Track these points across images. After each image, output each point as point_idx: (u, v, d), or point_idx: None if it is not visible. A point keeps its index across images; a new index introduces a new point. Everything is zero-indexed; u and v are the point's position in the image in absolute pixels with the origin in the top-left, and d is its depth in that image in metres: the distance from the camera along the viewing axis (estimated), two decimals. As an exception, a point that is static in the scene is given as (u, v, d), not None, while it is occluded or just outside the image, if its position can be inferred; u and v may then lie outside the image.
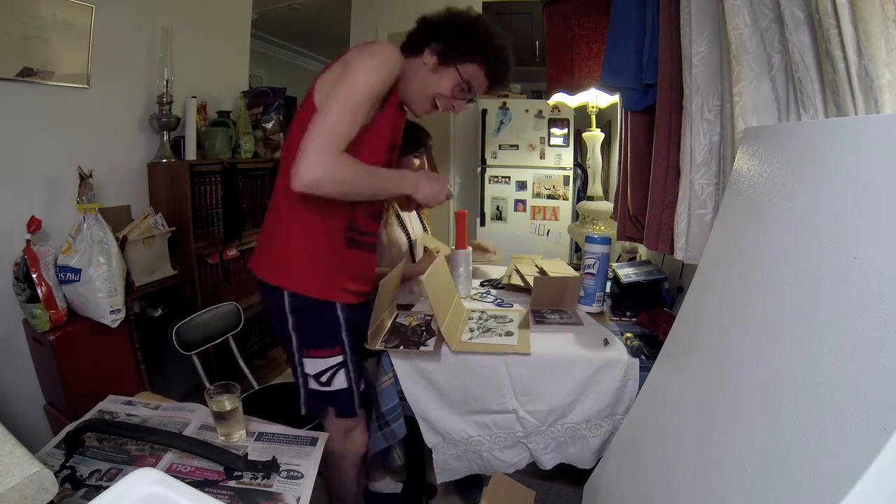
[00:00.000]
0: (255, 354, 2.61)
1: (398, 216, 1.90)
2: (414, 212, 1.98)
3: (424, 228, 2.03)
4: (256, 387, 1.78)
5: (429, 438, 1.31)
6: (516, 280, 1.73)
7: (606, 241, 1.53)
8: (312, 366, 1.21)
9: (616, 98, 2.08)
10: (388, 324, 1.37)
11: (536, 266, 1.80)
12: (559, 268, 1.82)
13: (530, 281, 1.65)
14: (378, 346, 1.23)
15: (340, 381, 1.22)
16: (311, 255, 1.19)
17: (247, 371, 1.82)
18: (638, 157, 1.63)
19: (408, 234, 1.91)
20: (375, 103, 1.10)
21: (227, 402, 0.97)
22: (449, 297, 1.39)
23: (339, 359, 1.21)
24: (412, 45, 1.19)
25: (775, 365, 0.66)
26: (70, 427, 0.97)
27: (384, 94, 1.11)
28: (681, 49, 1.19)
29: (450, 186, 1.27)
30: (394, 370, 1.29)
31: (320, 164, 1.00)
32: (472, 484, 1.69)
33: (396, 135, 1.28)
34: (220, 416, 0.98)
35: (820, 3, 0.74)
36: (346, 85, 1.04)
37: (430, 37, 1.17)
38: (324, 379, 1.21)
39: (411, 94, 1.21)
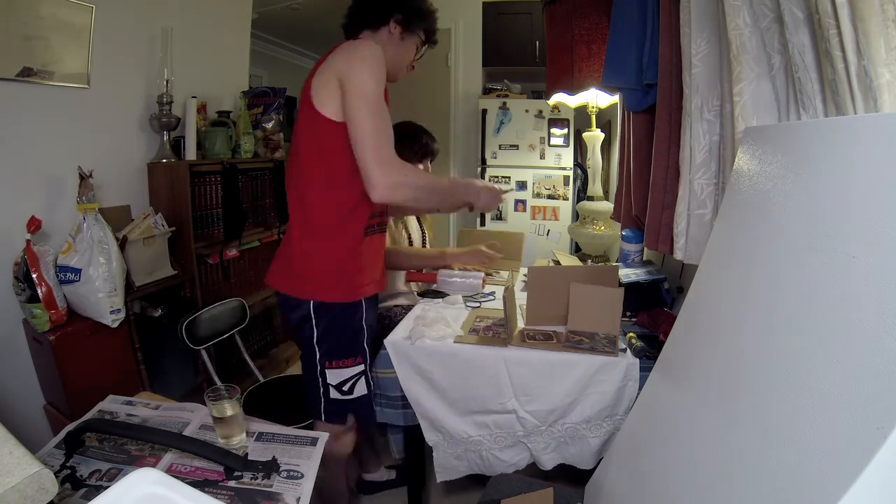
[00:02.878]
0: (257, 353, 2.61)
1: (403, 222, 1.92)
2: (414, 218, 2.00)
3: (424, 235, 2.04)
4: (261, 380, 1.79)
5: (429, 437, 1.31)
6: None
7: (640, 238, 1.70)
8: (335, 376, 1.24)
9: (616, 98, 2.08)
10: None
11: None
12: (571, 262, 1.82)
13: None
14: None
15: (361, 389, 1.26)
16: (332, 263, 1.22)
17: (253, 366, 1.82)
18: (639, 157, 1.64)
19: (409, 239, 1.93)
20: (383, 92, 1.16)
21: (229, 408, 0.97)
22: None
23: (361, 367, 1.26)
24: (377, 20, 1.26)
25: (774, 364, 0.66)
26: (70, 427, 0.97)
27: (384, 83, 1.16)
28: (681, 49, 1.20)
29: (502, 194, 1.39)
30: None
31: (389, 175, 1.07)
32: (468, 483, 1.69)
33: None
34: (221, 420, 0.98)
35: (819, 3, 0.74)
36: (360, 95, 1.09)
37: (388, 11, 1.25)
38: (346, 388, 1.25)
39: (390, 67, 1.23)
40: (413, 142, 1.82)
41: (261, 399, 1.67)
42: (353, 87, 1.09)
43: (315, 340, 1.23)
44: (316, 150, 1.17)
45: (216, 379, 1.60)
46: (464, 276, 1.73)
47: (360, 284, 1.25)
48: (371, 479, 1.72)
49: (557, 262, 1.87)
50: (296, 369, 2.82)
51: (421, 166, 1.85)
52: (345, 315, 1.23)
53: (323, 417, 1.28)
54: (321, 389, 1.26)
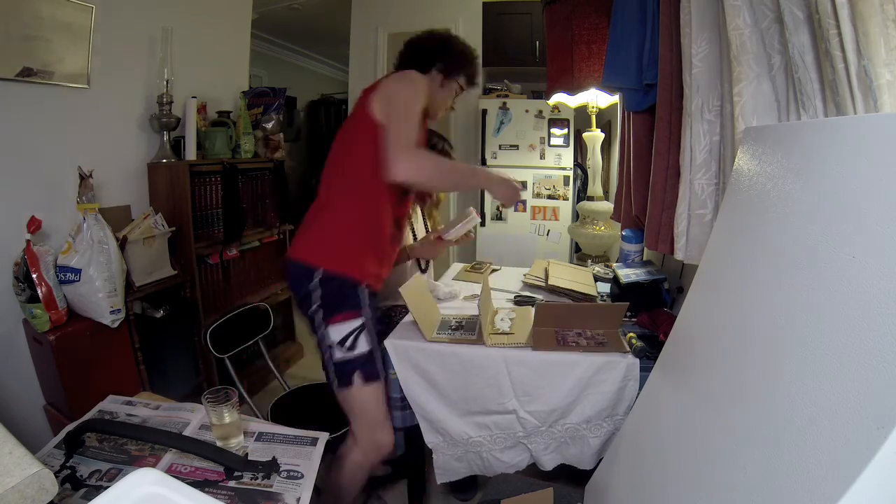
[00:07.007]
0: (257, 353, 2.60)
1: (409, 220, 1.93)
2: (419, 214, 2.00)
3: (427, 230, 2.05)
4: (287, 389, 1.74)
5: (429, 438, 1.31)
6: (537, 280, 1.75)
7: (640, 238, 1.70)
8: (336, 332, 1.27)
9: (616, 98, 2.08)
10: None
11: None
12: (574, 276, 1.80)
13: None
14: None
15: (363, 345, 1.28)
16: (357, 241, 1.32)
17: (277, 374, 1.78)
18: (639, 157, 1.64)
19: (414, 234, 1.94)
20: (422, 109, 1.32)
21: (227, 415, 0.96)
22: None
23: (360, 321, 1.28)
24: (421, 66, 1.43)
25: (774, 364, 0.66)
26: (70, 427, 0.97)
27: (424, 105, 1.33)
28: (681, 49, 1.20)
29: (520, 189, 1.45)
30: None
31: (411, 158, 1.20)
32: (468, 483, 1.69)
33: (423, 141, 1.51)
34: (219, 425, 0.97)
35: (820, 3, 0.74)
36: (403, 105, 1.26)
37: (431, 59, 1.44)
38: (347, 344, 1.27)
39: (430, 106, 1.43)
40: (431, 147, 1.83)
41: (287, 409, 1.61)
42: (395, 96, 1.28)
43: (317, 302, 1.28)
44: (367, 152, 1.29)
45: (239, 386, 1.52)
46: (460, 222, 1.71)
47: (369, 271, 1.33)
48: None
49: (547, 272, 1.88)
50: (298, 368, 2.82)
51: None
52: (346, 287, 1.29)
53: (336, 384, 1.29)
54: (327, 354, 1.28)
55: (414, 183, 1.28)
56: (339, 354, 1.27)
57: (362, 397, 1.28)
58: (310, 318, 1.31)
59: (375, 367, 1.29)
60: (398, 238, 1.47)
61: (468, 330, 1.36)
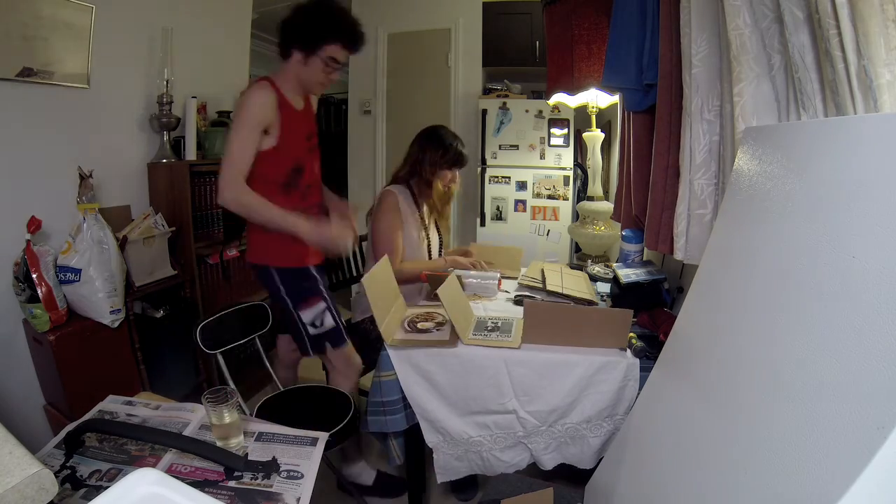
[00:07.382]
0: (255, 353, 2.60)
1: (423, 223, 1.95)
2: (434, 226, 2.04)
3: (441, 240, 2.06)
4: (281, 388, 1.72)
5: (429, 438, 1.31)
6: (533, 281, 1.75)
7: (640, 238, 1.71)
8: (307, 316, 1.60)
9: (616, 98, 2.08)
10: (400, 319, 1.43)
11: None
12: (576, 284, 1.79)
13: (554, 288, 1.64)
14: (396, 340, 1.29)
15: (329, 322, 1.62)
16: (274, 236, 1.52)
17: (272, 372, 1.76)
18: (639, 157, 1.64)
19: (428, 239, 1.98)
20: (258, 128, 1.44)
21: (227, 416, 0.96)
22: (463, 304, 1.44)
23: (324, 305, 1.61)
24: (283, 53, 1.51)
25: (774, 364, 0.66)
26: (70, 427, 0.97)
27: (267, 120, 1.45)
28: (681, 49, 1.20)
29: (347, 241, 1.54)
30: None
31: (231, 192, 1.43)
32: (468, 483, 1.69)
33: (309, 126, 1.64)
34: (218, 424, 0.97)
35: (820, 3, 0.74)
36: (233, 133, 1.44)
37: (289, 40, 1.48)
38: (317, 323, 1.61)
39: (304, 86, 1.56)
40: (445, 150, 1.85)
41: (274, 410, 1.57)
42: (233, 122, 1.47)
43: (284, 294, 1.59)
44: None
45: (231, 383, 1.52)
46: (479, 277, 1.73)
47: (301, 254, 1.58)
48: (347, 475, 1.72)
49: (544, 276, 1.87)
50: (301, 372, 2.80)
51: (449, 174, 1.88)
52: (298, 274, 1.60)
53: (311, 352, 1.64)
54: (302, 331, 1.61)
55: (233, 211, 1.48)
56: (312, 331, 1.60)
57: (334, 355, 1.65)
58: (281, 308, 1.61)
59: (342, 335, 1.64)
60: (313, 215, 1.56)
61: (504, 332, 1.34)
